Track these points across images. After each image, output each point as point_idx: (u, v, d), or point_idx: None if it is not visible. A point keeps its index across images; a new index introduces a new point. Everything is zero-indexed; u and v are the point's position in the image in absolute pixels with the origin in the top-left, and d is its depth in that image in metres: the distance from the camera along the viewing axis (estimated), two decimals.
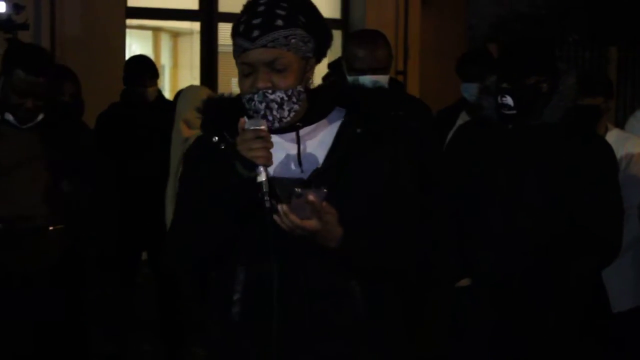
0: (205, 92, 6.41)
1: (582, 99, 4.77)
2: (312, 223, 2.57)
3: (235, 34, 2.74)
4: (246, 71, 2.72)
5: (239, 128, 2.65)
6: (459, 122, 6.17)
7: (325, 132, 2.79)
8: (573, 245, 3.89)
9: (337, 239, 2.64)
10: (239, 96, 2.79)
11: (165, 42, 11.72)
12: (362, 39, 4.73)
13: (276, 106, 2.68)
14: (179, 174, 5.65)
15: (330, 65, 4.97)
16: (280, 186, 2.67)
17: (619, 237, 3.97)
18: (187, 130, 6.01)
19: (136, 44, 11.20)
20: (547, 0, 21.79)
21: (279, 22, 2.69)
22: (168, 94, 10.79)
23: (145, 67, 6.71)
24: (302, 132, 2.77)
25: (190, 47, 11.05)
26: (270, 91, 2.68)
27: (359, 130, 2.75)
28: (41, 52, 4.75)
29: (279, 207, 2.56)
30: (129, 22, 9.59)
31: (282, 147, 2.74)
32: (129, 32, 9.81)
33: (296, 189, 2.57)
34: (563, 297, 3.94)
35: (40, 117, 4.57)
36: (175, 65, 11.70)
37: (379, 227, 2.72)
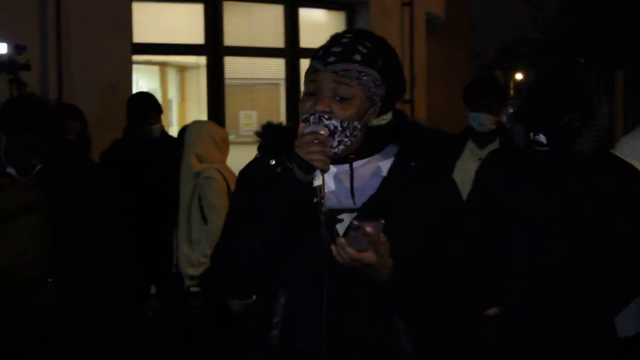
0: (212, 126, 6.45)
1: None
2: (369, 255, 2.56)
3: (313, 57, 2.79)
4: (311, 90, 2.74)
5: (298, 133, 2.66)
6: (467, 150, 6.15)
7: (378, 165, 2.81)
8: (609, 271, 3.86)
9: (388, 271, 2.62)
10: (295, 125, 2.80)
11: (172, 76, 11.76)
12: None
13: (328, 132, 2.68)
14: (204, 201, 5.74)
15: None
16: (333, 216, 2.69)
17: None
18: (197, 164, 6.04)
19: (143, 80, 11.25)
20: (553, 25, 21.84)
21: (357, 57, 2.72)
22: (176, 128, 10.81)
23: (150, 104, 6.73)
24: (355, 164, 2.78)
25: (197, 81, 11.08)
26: (327, 117, 2.69)
27: (412, 164, 2.75)
28: (29, 107, 4.67)
29: (337, 239, 2.56)
30: (135, 57, 9.62)
31: (335, 178, 2.76)
32: (135, 68, 9.84)
33: (353, 221, 2.56)
34: (598, 327, 3.91)
35: (38, 167, 4.55)
36: (182, 99, 11.73)
37: (428, 262, 2.71)
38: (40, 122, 4.55)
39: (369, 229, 2.53)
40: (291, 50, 10.70)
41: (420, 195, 2.73)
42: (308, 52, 10.72)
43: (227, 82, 10.33)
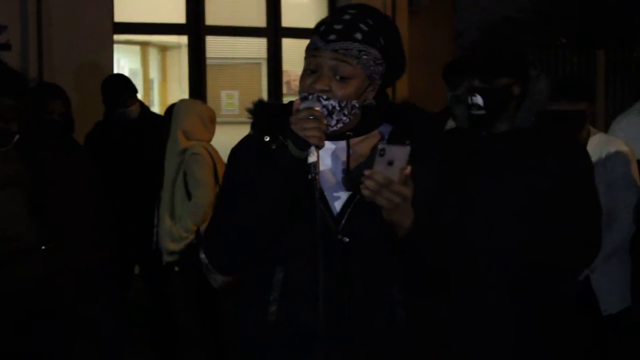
0: (200, 105, 6.53)
1: (568, 104, 4.77)
2: (405, 189, 2.55)
3: (313, 32, 2.78)
4: (311, 67, 2.74)
5: (293, 109, 2.67)
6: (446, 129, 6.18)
7: (374, 142, 2.81)
8: (554, 248, 3.88)
9: (412, 216, 2.62)
10: (289, 102, 2.81)
11: (153, 56, 11.72)
12: None
13: (326, 112, 2.69)
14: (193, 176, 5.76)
15: None
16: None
17: (598, 238, 3.97)
18: (184, 140, 6.08)
19: (124, 59, 11.20)
20: (535, 4, 21.84)
21: (358, 36, 2.72)
22: (157, 108, 10.80)
23: (123, 87, 6.75)
24: (352, 141, 2.79)
25: (178, 61, 11.05)
26: (325, 97, 2.69)
27: (407, 142, 2.75)
28: (8, 72, 4.69)
29: (365, 172, 2.54)
30: (116, 37, 9.58)
31: (331, 154, 2.77)
32: (116, 48, 9.80)
33: (378, 145, 2.55)
34: (550, 302, 3.94)
35: (16, 138, 4.54)
36: (164, 79, 11.70)
37: (434, 217, 2.72)
38: (15, 87, 4.53)
39: (396, 153, 2.52)
40: (273, 30, 10.67)
41: (416, 171, 2.72)
42: (290, 32, 10.71)
43: (208, 61, 10.29)
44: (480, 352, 3.95)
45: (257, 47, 10.78)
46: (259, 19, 10.68)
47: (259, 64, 10.92)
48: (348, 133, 2.77)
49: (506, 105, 3.90)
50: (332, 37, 2.71)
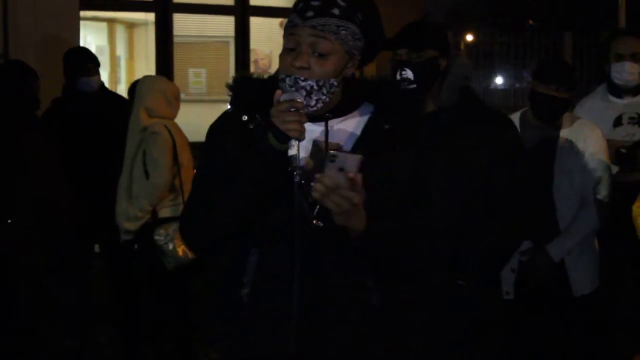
0: (164, 82, 6.43)
1: (556, 89, 4.78)
2: (353, 195, 2.55)
3: (292, 10, 2.76)
4: (290, 45, 2.72)
5: (274, 100, 2.64)
6: None
7: (354, 125, 2.80)
8: (482, 228, 3.88)
9: (364, 221, 2.63)
10: (269, 78, 2.79)
11: (120, 33, 11.64)
12: None
13: (304, 93, 2.67)
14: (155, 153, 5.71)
15: None
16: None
17: (531, 212, 3.99)
18: (146, 118, 5.99)
19: (91, 36, 11.12)
20: None
21: (336, 11, 2.70)
22: (124, 86, 10.73)
23: (86, 56, 6.70)
24: (331, 122, 2.77)
25: (145, 38, 10.98)
26: (302, 78, 2.67)
27: (387, 127, 2.75)
28: None
29: (316, 175, 2.54)
30: (83, 13, 9.50)
31: (310, 136, 2.73)
32: (83, 24, 9.72)
33: (330, 151, 2.54)
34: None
35: None
36: (130, 56, 11.63)
37: (400, 221, 2.73)
38: None
39: (347, 160, 2.52)
40: (241, 8, 10.62)
41: (392, 158, 2.73)
42: (258, 10, 10.66)
43: (175, 39, 10.25)
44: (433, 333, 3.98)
45: (225, 25, 10.73)
46: None
47: (227, 42, 10.88)
48: (327, 114, 2.76)
49: (434, 79, 3.89)
50: (310, 13, 2.70)
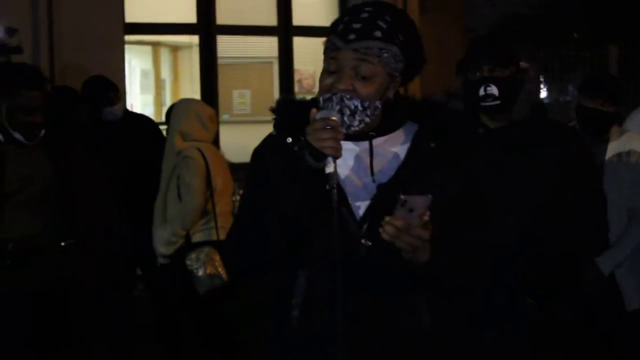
0: (199, 104, 6.46)
1: (602, 104, 4.74)
2: (421, 230, 2.54)
3: (331, 32, 2.76)
4: (332, 68, 2.72)
5: (310, 118, 2.64)
6: None
7: (398, 143, 2.79)
8: (559, 240, 3.85)
9: (429, 252, 2.61)
10: (312, 100, 2.79)
11: (164, 56, 11.71)
12: None
13: (349, 112, 2.67)
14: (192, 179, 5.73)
15: None
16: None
17: (604, 226, 3.95)
18: (181, 142, 6.00)
19: (136, 60, 11.20)
20: (546, 1, 21.78)
21: (378, 34, 2.70)
22: None
23: (107, 86, 6.77)
24: (375, 142, 2.76)
25: (189, 61, 11.04)
26: (348, 96, 2.67)
27: (432, 145, 2.74)
28: (32, 67, 4.87)
29: (386, 219, 2.53)
30: (127, 38, 9.58)
31: (354, 155, 2.74)
32: (128, 48, 9.80)
33: (401, 196, 2.53)
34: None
35: (42, 132, 4.61)
36: (175, 78, 11.69)
37: (452, 244, 2.70)
38: (37, 80, 4.64)
39: (417, 202, 2.51)
40: (284, 29, 10.66)
41: (439, 178, 2.71)
42: (301, 30, 10.69)
43: (219, 61, 10.29)
44: (496, 354, 3.93)
45: (268, 46, 10.77)
46: (270, 18, 10.67)
47: (271, 62, 10.91)
48: (371, 133, 2.75)
49: (517, 94, 3.87)
50: (352, 36, 2.69)
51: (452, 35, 12.72)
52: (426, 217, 2.54)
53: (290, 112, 2.82)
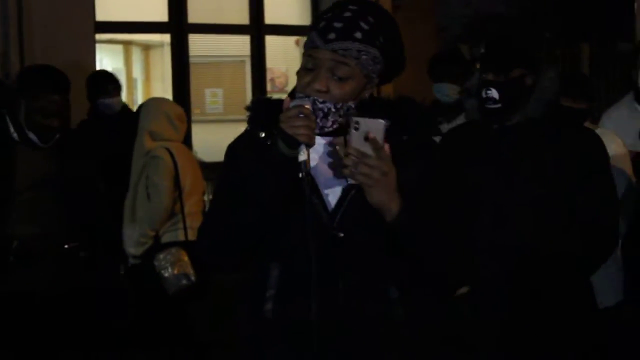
0: (168, 104, 6.45)
1: (573, 101, 4.78)
2: (382, 163, 2.56)
3: (312, 27, 2.76)
4: (309, 65, 2.72)
5: (283, 107, 2.65)
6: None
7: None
8: (574, 238, 3.86)
9: (398, 201, 2.62)
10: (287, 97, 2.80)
11: (136, 55, 11.66)
12: None
13: (321, 114, 2.69)
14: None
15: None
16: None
17: (617, 226, 3.97)
18: (150, 142, 5.99)
19: (107, 59, 11.14)
20: (519, 0, 21.89)
21: (358, 35, 2.70)
22: None
23: (106, 78, 6.78)
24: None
25: (161, 60, 11.00)
26: (321, 100, 2.68)
27: (405, 138, 2.74)
28: (57, 71, 4.90)
29: (345, 151, 2.57)
30: (98, 36, 9.53)
31: (329, 149, 2.75)
32: (99, 47, 9.75)
33: (353, 118, 2.56)
34: (567, 293, 3.92)
35: (57, 136, 4.73)
36: (147, 78, 11.65)
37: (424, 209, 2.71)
38: (60, 84, 4.75)
39: (371, 125, 2.54)
40: (256, 27, 10.63)
41: (411, 169, 2.72)
42: (273, 29, 10.67)
43: (191, 60, 10.25)
44: (480, 347, 3.94)
45: (241, 44, 10.74)
46: (242, 17, 10.64)
47: (243, 61, 10.88)
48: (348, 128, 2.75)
49: (521, 97, 3.87)
50: (332, 36, 2.69)
51: (424, 34, 12.74)
52: (383, 146, 2.56)
53: (264, 108, 2.83)
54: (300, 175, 2.61)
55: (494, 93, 3.85)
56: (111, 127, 6.63)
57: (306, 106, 2.63)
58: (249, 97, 10.77)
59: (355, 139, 2.58)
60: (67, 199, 4.70)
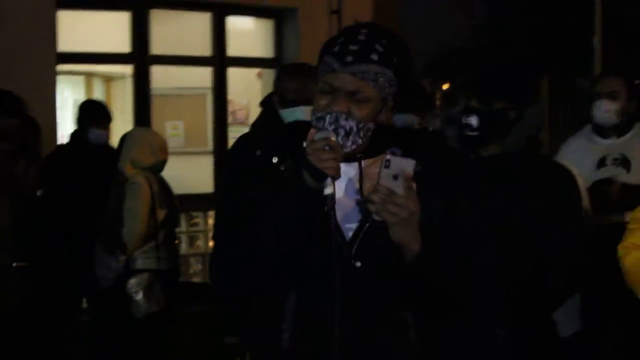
0: (151, 134, 6.57)
1: None
2: (410, 202, 2.56)
3: (326, 52, 2.75)
4: (326, 90, 2.72)
5: (308, 138, 2.63)
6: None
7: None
8: (541, 274, 3.86)
9: (419, 241, 2.62)
10: (299, 123, 2.80)
11: (97, 87, 11.59)
12: (293, 72, 4.70)
13: (343, 132, 2.68)
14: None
15: (262, 103, 4.96)
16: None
17: (585, 262, 3.98)
18: (130, 169, 6.06)
19: (68, 90, 11.08)
20: (478, 34, 22.08)
21: (374, 57, 2.70)
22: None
23: (102, 110, 6.90)
24: (364, 163, 2.77)
25: (122, 91, 10.95)
26: (344, 117, 2.68)
27: (418, 168, 2.72)
28: (12, 95, 4.84)
29: (376, 187, 2.56)
30: (59, 67, 9.48)
31: (344, 176, 2.72)
32: (60, 78, 9.71)
33: (386, 156, 2.56)
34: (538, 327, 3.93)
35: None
36: None
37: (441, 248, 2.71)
38: (17, 107, 4.65)
39: (402, 164, 2.54)
40: (219, 59, 10.63)
41: (426, 198, 2.70)
42: (235, 61, 10.68)
43: (153, 91, 10.25)
44: None
45: (203, 76, 10.73)
46: (204, 49, 10.64)
47: (204, 94, 10.87)
48: (359, 155, 2.75)
49: (500, 129, 3.88)
50: (349, 59, 2.70)
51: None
52: (412, 186, 2.57)
53: (276, 131, 2.85)
54: (325, 208, 2.60)
55: (473, 120, 3.86)
56: (96, 157, 6.71)
57: (332, 138, 2.62)
58: (210, 129, 10.75)
59: (385, 177, 2.57)
60: (16, 218, 4.59)
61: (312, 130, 2.66)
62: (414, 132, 2.89)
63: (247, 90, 10.92)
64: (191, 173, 10.31)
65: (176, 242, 6.61)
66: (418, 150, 2.80)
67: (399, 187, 2.57)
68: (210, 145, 10.70)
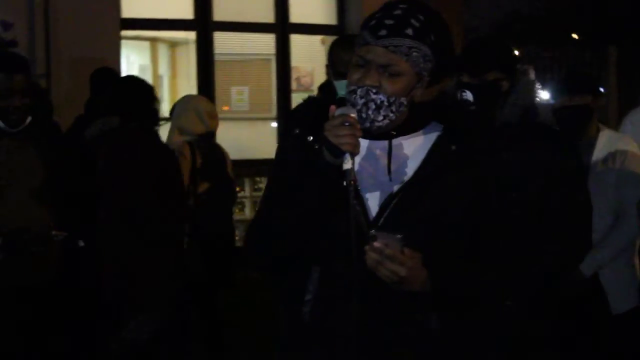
0: (198, 100, 6.51)
1: (571, 99, 4.75)
2: (400, 269, 2.56)
3: (363, 27, 2.74)
4: (360, 62, 2.71)
5: (329, 115, 2.64)
6: None
7: (418, 144, 2.77)
8: (539, 246, 3.81)
9: (421, 282, 2.62)
10: (338, 99, 2.77)
11: (162, 52, 11.67)
12: (345, 44, 4.68)
13: (374, 106, 2.66)
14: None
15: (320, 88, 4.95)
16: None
17: (586, 236, 3.95)
18: (178, 136, 6.05)
19: (134, 55, 11.17)
20: (548, 1, 21.79)
21: (409, 32, 2.68)
22: (167, 105, 10.70)
23: (113, 76, 6.81)
24: (395, 141, 2.75)
25: (187, 57, 11.00)
26: (374, 90, 2.66)
27: (453, 147, 2.71)
28: (13, 52, 4.79)
29: (366, 247, 2.57)
30: (125, 33, 9.55)
31: (373, 155, 2.73)
32: (125, 43, 9.77)
33: (371, 233, 2.57)
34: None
35: (29, 119, 4.49)
36: (173, 75, 11.66)
37: (466, 253, 2.72)
38: (6, 64, 4.47)
39: (378, 244, 2.54)
40: (281, 26, 10.62)
41: (458, 181, 2.69)
42: (298, 28, 10.65)
43: (217, 57, 10.27)
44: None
45: (266, 43, 10.73)
46: (267, 15, 10.63)
47: (269, 60, 10.87)
48: (392, 132, 2.73)
49: (495, 101, 3.84)
50: (383, 32, 2.67)
51: (454, 34, 12.69)
52: (399, 256, 2.56)
53: (312, 111, 2.83)
54: (344, 183, 2.59)
55: (468, 95, 3.82)
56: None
57: (351, 115, 2.61)
58: (274, 95, 10.76)
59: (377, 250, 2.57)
60: (51, 188, 4.53)
61: (333, 107, 2.65)
62: (456, 110, 2.83)
63: (312, 57, 10.89)
64: (255, 138, 10.34)
65: (235, 209, 6.55)
66: (458, 130, 2.77)
67: (389, 253, 2.55)
68: (274, 112, 10.72)
